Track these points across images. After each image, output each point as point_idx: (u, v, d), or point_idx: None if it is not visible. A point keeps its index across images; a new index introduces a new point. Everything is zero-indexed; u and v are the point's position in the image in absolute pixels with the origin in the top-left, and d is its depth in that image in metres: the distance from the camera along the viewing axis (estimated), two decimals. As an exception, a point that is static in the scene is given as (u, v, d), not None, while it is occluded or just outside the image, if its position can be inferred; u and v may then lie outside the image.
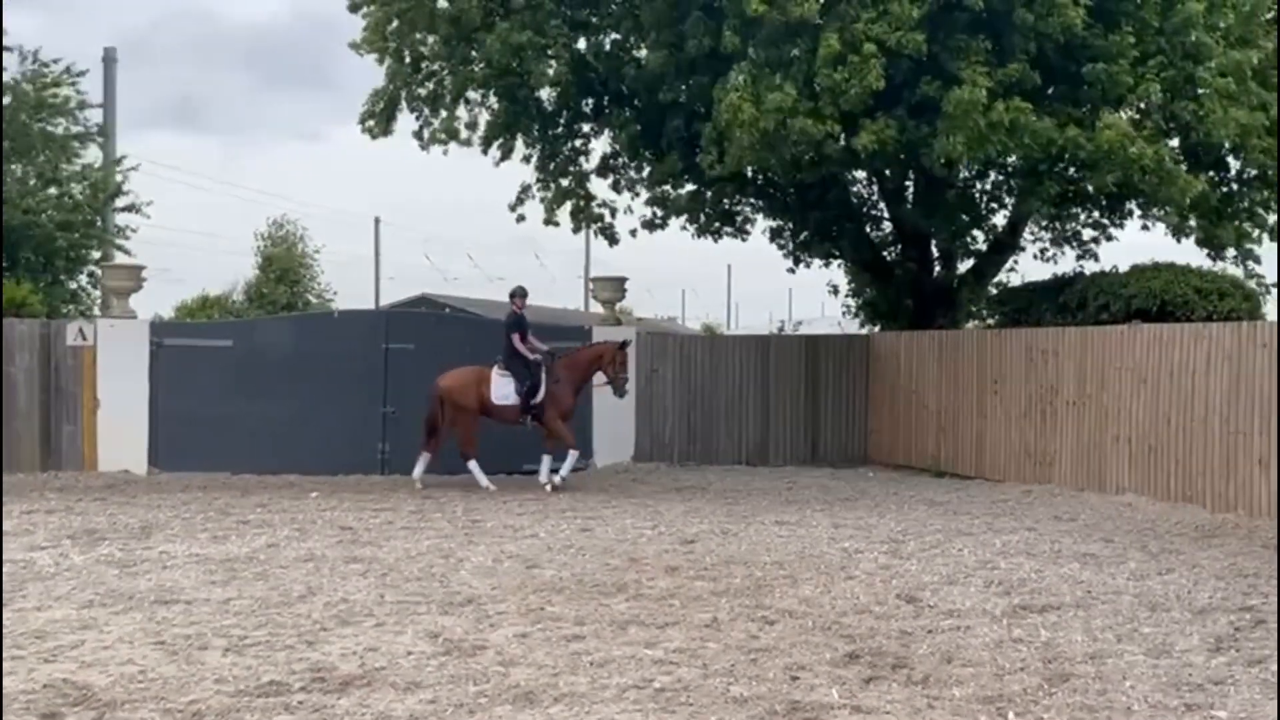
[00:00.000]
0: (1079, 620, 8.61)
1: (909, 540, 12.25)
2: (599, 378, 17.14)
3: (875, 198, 22.33)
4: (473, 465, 16.73)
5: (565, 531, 12.77)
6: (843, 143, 17.05)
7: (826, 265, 23.40)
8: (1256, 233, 20.23)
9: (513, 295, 17.24)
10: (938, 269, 22.06)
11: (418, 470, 16.84)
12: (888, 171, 20.22)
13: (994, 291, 21.92)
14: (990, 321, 21.35)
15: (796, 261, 23.07)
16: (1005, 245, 21.73)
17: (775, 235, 22.85)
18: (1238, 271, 19.87)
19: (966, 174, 20.13)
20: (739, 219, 22.41)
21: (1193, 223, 19.14)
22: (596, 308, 22.62)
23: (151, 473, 17.94)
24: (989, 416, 17.97)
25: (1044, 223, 21.93)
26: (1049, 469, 16.79)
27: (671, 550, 11.62)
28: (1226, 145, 17.37)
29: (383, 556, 11.14)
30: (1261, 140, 16.94)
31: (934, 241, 21.50)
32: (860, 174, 21.46)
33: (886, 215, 22.19)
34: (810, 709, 6.51)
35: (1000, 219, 21.71)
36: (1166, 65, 16.94)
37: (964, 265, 22.22)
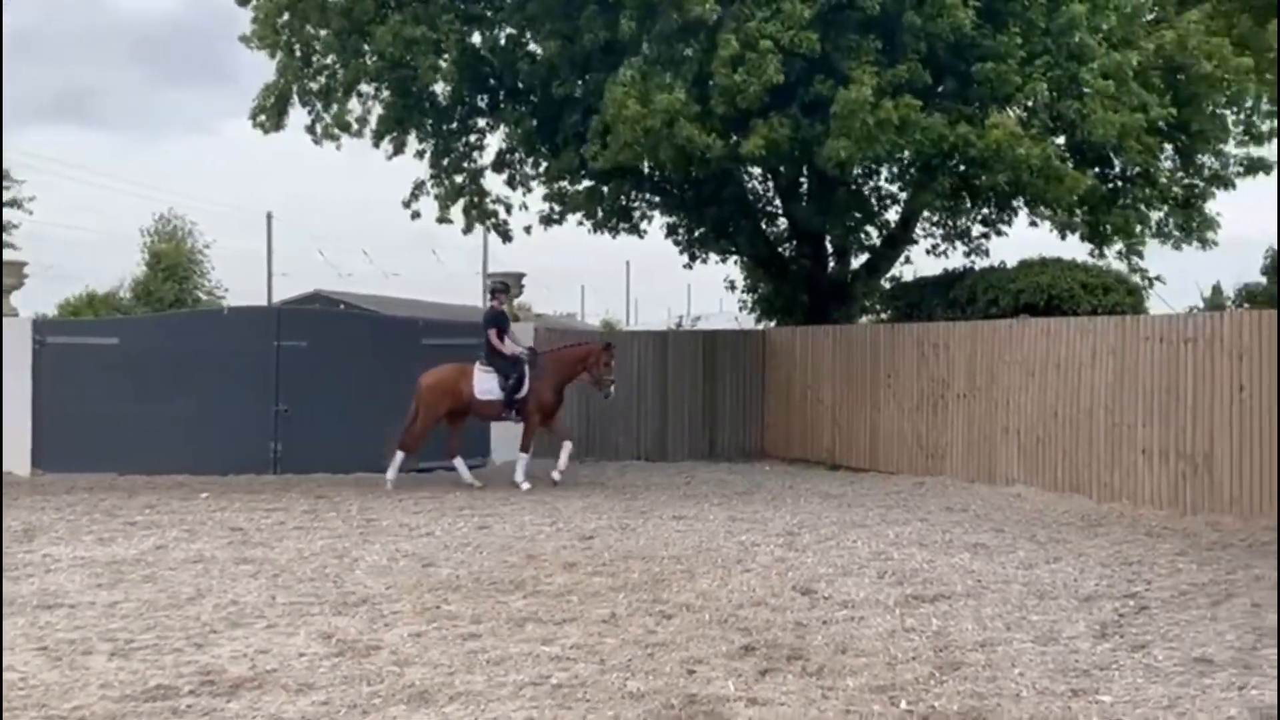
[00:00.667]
0: (969, 609, 8.76)
1: (804, 533, 12.37)
2: (584, 378, 16.94)
3: (771, 194, 22.49)
4: (398, 458, 16.52)
5: (462, 529, 12.68)
6: (733, 140, 17.11)
7: (723, 261, 23.54)
8: (1139, 229, 20.77)
9: (493, 291, 17.11)
10: (832, 265, 22.30)
11: (464, 473, 16.58)
12: (782, 169, 20.37)
13: (887, 287, 22.23)
14: (883, 316, 21.66)
15: (693, 258, 23.15)
16: (898, 241, 22.03)
17: (671, 231, 22.90)
18: (1121, 266, 20.42)
19: (860, 171, 20.35)
20: (635, 215, 22.41)
21: (1078, 218, 19.59)
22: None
23: (35, 474, 17.45)
24: (882, 410, 18.21)
25: (935, 219, 22.29)
26: (941, 461, 17.07)
27: (569, 546, 11.60)
28: (1109, 145, 17.78)
29: (275, 557, 10.96)
30: (1139, 142, 17.38)
31: (828, 238, 21.72)
32: (756, 171, 21.59)
33: (781, 212, 22.37)
34: (706, 702, 6.54)
35: (893, 215, 22.03)
36: (1052, 65, 17.30)
37: (858, 261, 22.49)
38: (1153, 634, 8.01)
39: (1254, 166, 20.92)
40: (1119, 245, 20.79)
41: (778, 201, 22.33)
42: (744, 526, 12.86)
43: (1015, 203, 20.48)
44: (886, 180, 21.48)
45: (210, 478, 17.17)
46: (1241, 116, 20.62)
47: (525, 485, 16.18)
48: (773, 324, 23.19)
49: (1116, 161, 19.56)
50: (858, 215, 20.82)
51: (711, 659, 7.42)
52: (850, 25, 16.80)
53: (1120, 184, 20.08)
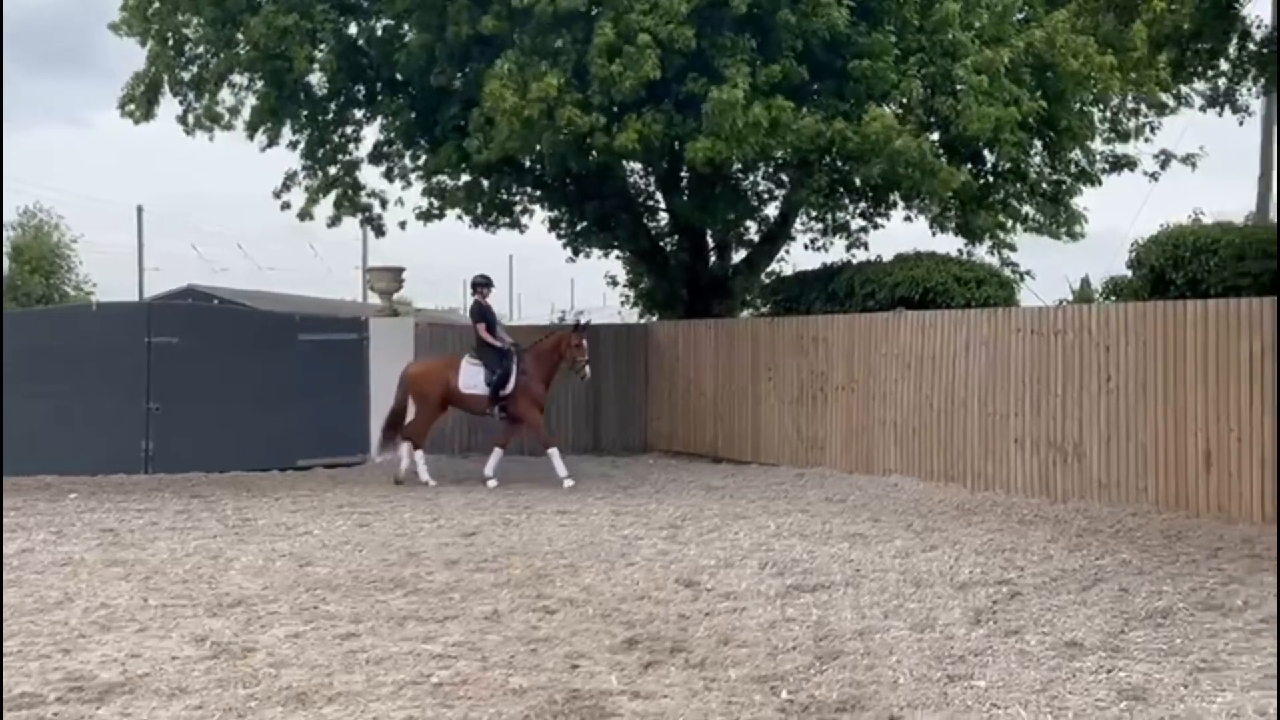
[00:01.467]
0: (848, 598, 8.88)
1: (688, 525, 12.43)
2: (562, 365, 16.68)
3: (651, 189, 22.54)
4: (418, 456, 16.46)
5: (341, 528, 12.50)
6: (609, 136, 17.09)
7: (606, 255, 23.53)
8: (1010, 223, 21.26)
9: (475, 285, 16.95)
10: (713, 259, 22.43)
11: (404, 465, 16.49)
12: (665, 163, 20.42)
13: (767, 281, 22.42)
14: (764, 310, 21.83)
15: (576, 252, 23.12)
16: (777, 236, 22.24)
17: (554, 226, 22.82)
18: (993, 260, 20.86)
19: (738, 167, 20.49)
20: (517, 209, 22.27)
21: (952, 212, 19.98)
22: (375, 299, 22.17)
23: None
24: (763, 402, 18.37)
25: (814, 213, 22.54)
26: (821, 452, 17.27)
27: (452, 543, 11.51)
28: (981, 140, 18.17)
29: (147, 559, 10.68)
30: (1013, 135, 17.78)
31: (709, 232, 21.84)
32: (636, 165, 21.61)
33: (663, 206, 22.43)
34: (589, 697, 6.52)
35: (772, 210, 22.22)
36: (927, 62, 17.63)
37: (738, 255, 22.65)
38: (1025, 619, 8.19)
39: (1119, 163, 21.57)
40: (991, 240, 21.26)
41: (659, 196, 22.39)
42: (628, 520, 12.88)
43: (892, 196, 20.79)
44: (764, 176, 21.66)
45: (79, 478, 16.66)
46: (1107, 114, 21.24)
47: (568, 481, 15.95)
48: (655, 318, 23.25)
49: (989, 157, 20.00)
50: (738, 210, 20.97)
51: (595, 653, 7.41)
52: (725, 22, 16.91)
53: (992, 179, 20.54)
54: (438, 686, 6.70)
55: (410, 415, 16.79)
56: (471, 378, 16.37)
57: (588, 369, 16.77)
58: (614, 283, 24.53)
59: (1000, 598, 8.88)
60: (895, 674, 6.92)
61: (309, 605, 8.76)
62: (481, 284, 16.94)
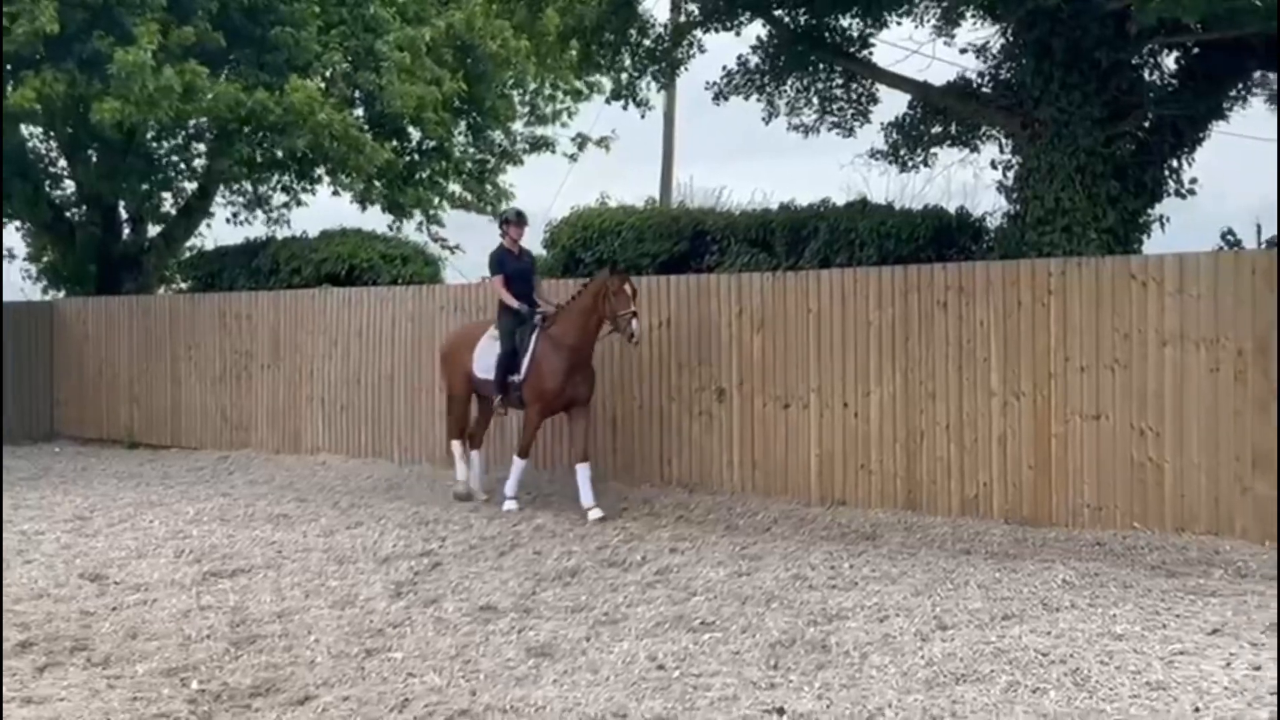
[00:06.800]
0: (269, 581, 8.70)
1: (96, 516, 11.68)
2: (605, 328, 11.54)
3: (54, 154, 20.77)
4: (473, 460, 12.54)
5: None
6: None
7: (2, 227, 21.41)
8: (437, 200, 21.62)
9: (503, 221, 12.41)
10: (126, 232, 21.08)
11: (473, 474, 12.47)
12: (69, 128, 18.85)
13: (187, 255, 21.40)
14: (183, 286, 20.84)
15: (-43, 224, 20.84)
16: (196, 209, 21.24)
17: (-68, 193, 20.44)
18: (422, 237, 21.14)
19: (152, 135, 19.34)
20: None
21: (379, 186, 20.01)
22: None
23: None
24: (184, 383, 17.54)
25: (236, 187, 21.72)
26: (246, 433, 16.76)
27: None
28: (405, 117, 18.33)
29: None
30: (436, 114, 18.07)
31: (121, 203, 20.50)
32: (37, 129, 19.79)
33: (67, 174, 20.75)
34: (-29, 710, 5.94)
35: (191, 183, 21.17)
36: (349, 35, 17.52)
37: (155, 229, 21.43)
38: (444, 588, 8.40)
39: (538, 145, 22.51)
40: (419, 217, 21.51)
41: (63, 163, 20.68)
42: (28, 514, 11.88)
43: (318, 171, 20.45)
44: (181, 145, 20.57)
45: None
46: (527, 97, 22.11)
47: (512, 504, 11.64)
48: (61, 295, 21.50)
49: (414, 134, 20.21)
50: (151, 181, 19.79)
51: (-20, 662, 6.76)
52: (136, -24, 15.94)
53: (417, 157, 20.78)
54: None
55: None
56: (486, 357, 12.03)
57: (635, 324, 11.19)
58: (12, 256, 22.36)
59: (422, 569, 9.05)
60: (313, 653, 6.87)
61: None
62: (509, 220, 12.28)
